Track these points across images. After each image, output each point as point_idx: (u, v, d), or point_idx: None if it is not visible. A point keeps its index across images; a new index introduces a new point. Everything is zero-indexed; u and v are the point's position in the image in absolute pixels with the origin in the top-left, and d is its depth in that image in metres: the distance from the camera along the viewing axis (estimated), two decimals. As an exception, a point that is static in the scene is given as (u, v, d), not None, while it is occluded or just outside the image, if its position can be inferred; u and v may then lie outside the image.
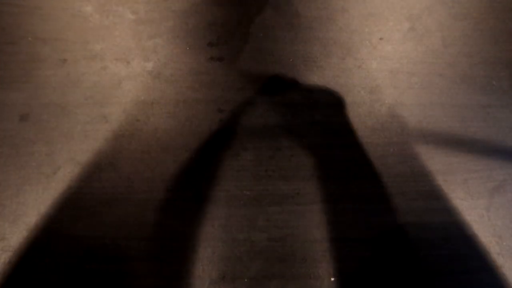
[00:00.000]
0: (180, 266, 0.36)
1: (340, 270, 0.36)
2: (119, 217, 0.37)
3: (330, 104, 0.44)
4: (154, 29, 0.47)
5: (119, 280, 0.35)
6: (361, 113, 0.44)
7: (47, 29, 0.45)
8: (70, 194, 0.38)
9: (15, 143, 0.39)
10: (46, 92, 0.42)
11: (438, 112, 0.44)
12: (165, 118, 0.42)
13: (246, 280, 0.36)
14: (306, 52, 0.47)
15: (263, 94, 0.44)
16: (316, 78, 0.45)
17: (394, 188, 0.40)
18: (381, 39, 0.48)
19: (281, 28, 0.48)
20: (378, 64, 0.46)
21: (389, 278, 0.36)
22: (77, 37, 0.45)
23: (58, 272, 0.35)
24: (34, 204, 0.37)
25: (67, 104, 0.42)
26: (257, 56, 0.46)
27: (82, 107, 0.42)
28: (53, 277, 0.35)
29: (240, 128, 0.42)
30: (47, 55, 0.44)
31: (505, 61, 0.47)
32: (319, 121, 0.43)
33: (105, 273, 0.35)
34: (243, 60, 0.46)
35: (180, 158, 0.40)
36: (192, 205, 0.38)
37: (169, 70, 0.44)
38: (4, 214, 0.37)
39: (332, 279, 0.36)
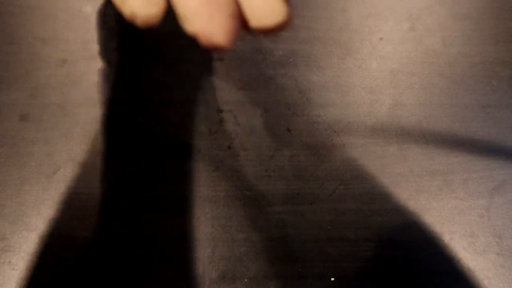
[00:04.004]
0: (180, 266, 0.36)
1: (340, 270, 0.36)
2: (119, 217, 0.37)
3: (330, 104, 0.44)
4: (154, 29, 0.47)
5: (119, 281, 0.35)
6: (361, 113, 0.44)
7: (47, 29, 0.45)
8: (70, 194, 0.38)
9: (15, 143, 0.39)
10: (46, 92, 0.42)
11: (438, 112, 0.44)
12: (165, 118, 0.42)
13: (246, 280, 0.36)
14: (306, 52, 0.47)
15: (263, 94, 0.44)
16: (316, 78, 0.45)
17: (394, 188, 0.40)
18: (381, 39, 0.48)
19: (281, 28, 0.48)
20: (378, 64, 0.46)
21: (389, 278, 0.36)
22: (77, 37, 0.45)
23: (57, 273, 0.35)
24: (34, 204, 0.37)
25: (67, 104, 0.41)
26: (257, 56, 0.46)
27: (82, 107, 0.41)
28: (53, 278, 0.35)
29: (240, 128, 0.42)
30: (47, 55, 0.44)
31: (505, 61, 0.47)
32: (319, 121, 0.43)
33: (105, 274, 0.35)
34: (243, 60, 0.46)
35: (180, 159, 0.40)
36: (192, 205, 0.38)
37: (169, 70, 0.44)
38: (4, 214, 0.37)
39: (332, 279, 0.36)
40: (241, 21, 0.14)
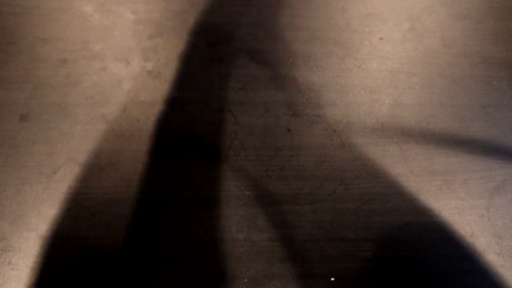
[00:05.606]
0: (180, 266, 0.36)
1: (340, 270, 0.36)
2: (119, 217, 0.37)
3: (330, 104, 0.44)
4: (154, 29, 0.47)
5: (119, 281, 0.35)
6: (361, 113, 0.44)
7: (47, 29, 0.45)
8: (70, 194, 0.38)
9: (15, 143, 0.39)
10: (46, 92, 0.42)
11: (438, 112, 0.44)
12: (165, 118, 0.42)
13: (246, 280, 0.36)
14: (306, 52, 0.47)
15: (263, 94, 0.44)
16: (316, 78, 0.45)
17: (394, 188, 0.40)
18: (381, 39, 0.48)
19: (281, 28, 0.48)
20: (378, 64, 0.46)
21: (389, 278, 0.36)
22: (77, 37, 0.45)
23: (58, 273, 0.35)
24: (34, 204, 0.37)
25: (67, 104, 0.42)
26: (257, 56, 0.46)
27: (82, 107, 0.42)
28: (53, 278, 0.35)
29: (240, 128, 0.42)
30: (47, 55, 0.44)
31: (505, 61, 0.47)
32: (319, 121, 0.43)
33: (105, 274, 0.35)
34: (243, 60, 0.46)
35: (180, 158, 0.40)
36: (192, 205, 0.38)
37: (169, 70, 0.44)
38: (4, 214, 0.37)
39: (332, 279, 0.36)
40: None
